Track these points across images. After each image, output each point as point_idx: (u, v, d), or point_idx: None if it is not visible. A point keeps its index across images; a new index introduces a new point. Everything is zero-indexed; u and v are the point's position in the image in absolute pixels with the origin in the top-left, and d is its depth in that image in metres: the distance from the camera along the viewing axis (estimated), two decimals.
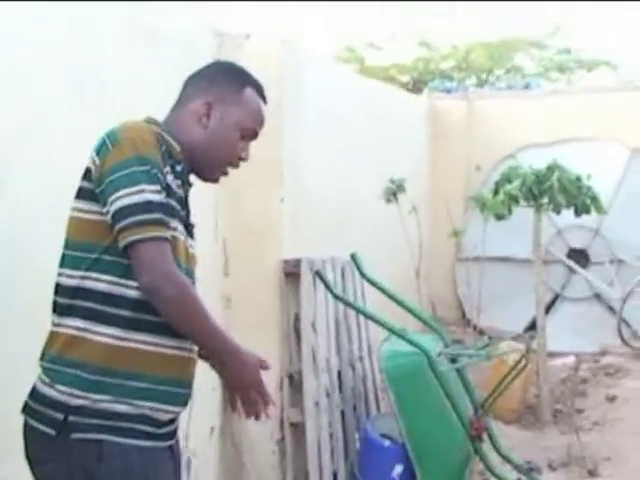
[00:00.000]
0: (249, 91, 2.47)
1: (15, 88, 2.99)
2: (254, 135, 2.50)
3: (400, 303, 5.02)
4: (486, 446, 4.63)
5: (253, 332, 4.69)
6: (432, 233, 8.33)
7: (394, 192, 5.98)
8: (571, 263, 8.46)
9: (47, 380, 2.25)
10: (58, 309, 2.30)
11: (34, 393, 2.28)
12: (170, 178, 2.30)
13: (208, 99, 2.42)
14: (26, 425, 2.30)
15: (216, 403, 4.60)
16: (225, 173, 2.51)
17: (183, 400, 2.38)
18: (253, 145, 4.60)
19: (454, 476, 4.65)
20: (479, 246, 8.26)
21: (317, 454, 4.69)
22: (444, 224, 8.19)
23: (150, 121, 2.41)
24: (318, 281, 4.82)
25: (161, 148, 2.28)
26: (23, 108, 3.01)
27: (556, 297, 8.51)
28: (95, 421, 2.20)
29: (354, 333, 5.33)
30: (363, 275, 5.11)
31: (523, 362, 4.64)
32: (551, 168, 6.42)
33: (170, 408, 2.32)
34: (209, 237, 4.62)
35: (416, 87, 12.46)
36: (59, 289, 2.30)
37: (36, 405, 2.27)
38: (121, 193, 2.18)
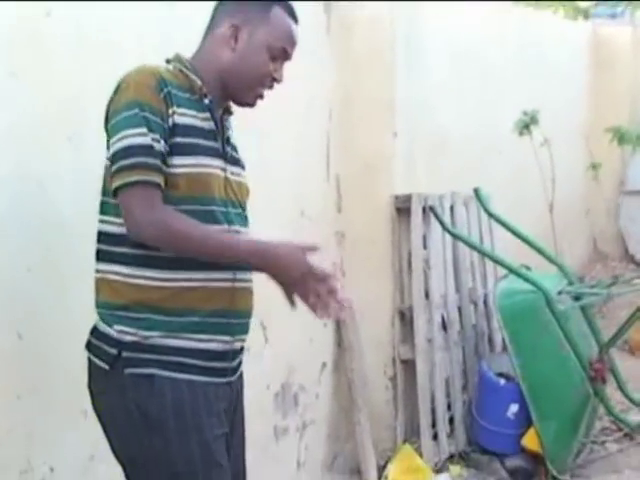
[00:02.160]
0: (276, 10, 2.42)
1: (93, 47, 3.06)
2: (285, 55, 2.44)
3: (525, 239, 4.89)
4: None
5: (366, 268, 4.72)
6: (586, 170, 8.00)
7: (527, 124, 5.75)
8: None
9: (103, 321, 2.32)
10: (100, 256, 2.36)
11: (94, 330, 2.37)
12: (190, 114, 2.30)
13: (234, 22, 2.39)
14: (89, 360, 2.38)
15: (329, 338, 4.63)
16: (260, 96, 2.46)
17: (237, 330, 2.37)
18: (366, 81, 4.64)
19: (571, 417, 4.54)
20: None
21: (429, 391, 4.65)
22: (606, 157, 7.81)
23: (171, 59, 2.42)
24: (433, 217, 4.75)
25: (162, 90, 2.25)
26: (101, 66, 3.07)
27: None
28: (147, 356, 2.25)
29: (478, 270, 5.21)
30: (486, 210, 5.02)
31: None
32: None
33: (223, 338, 2.32)
34: (321, 174, 4.63)
35: (589, 13, 11.93)
36: (100, 236, 2.36)
37: (95, 341, 2.35)
38: (112, 141, 2.23)
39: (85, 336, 2.90)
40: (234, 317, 2.35)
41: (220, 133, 2.40)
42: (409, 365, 4.71)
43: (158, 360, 2.25)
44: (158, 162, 2.21)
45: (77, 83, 2.98)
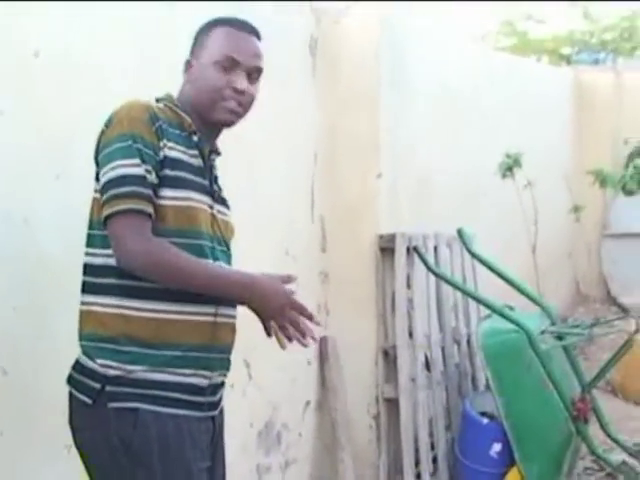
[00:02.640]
0: (216, 30, 2.47)
1: (79, 85, 3.11)
2: (236, 64, 2.44)
3: (506, 279, 4.93)
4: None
5: (350, 307, 4.76)
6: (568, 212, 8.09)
7: (510, 167, 5.83)
8: None
9: (86, 355, 2.34)
10: (86, 288, 2.38)
11: (76, 365, 2.39)
12: (179, 149, 2.35)
13: (187, 58, 2.50)
14: (70, 395, 2.39)
15: (312, 377, 4.65)
16: (231, 111, 2.46)
17: (219, 365, 2.41)
18: (351, 122, 4.70)
19: (554, 457, 4.53)
20: (625, 222, 8.05)
21: (412, 430, 4.67)
22: (589, 200, 7.90)
23: (161, 98, 2.49)
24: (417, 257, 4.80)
25: (154, 124, 2.30)
26: (87, 103, 3.12)
27: None
28: (131, 390, 2.26)
29: (461, 309, 5.25)
30: (469, 250, 5.06)
31: (628, 344, 4.52)
32: None
33: (206, 373, 2.35)
34: (306, 214, 4.67)
35: (572, 60, 12.14)
36: (86, 269, 2.39)
37: (77, 375, 2.36)
38: (103, 171, 2.27)
39: (67, 373, 2.95)
40: (215, 352, 2.38)
41: (208, 171, 2.45)
42: (392, 404, 4.73)
43: (142, 394, 2.26)
44: (150, 193, 2.25)
45: (64, 122, 3.02)
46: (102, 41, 3.22)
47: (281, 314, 2.32)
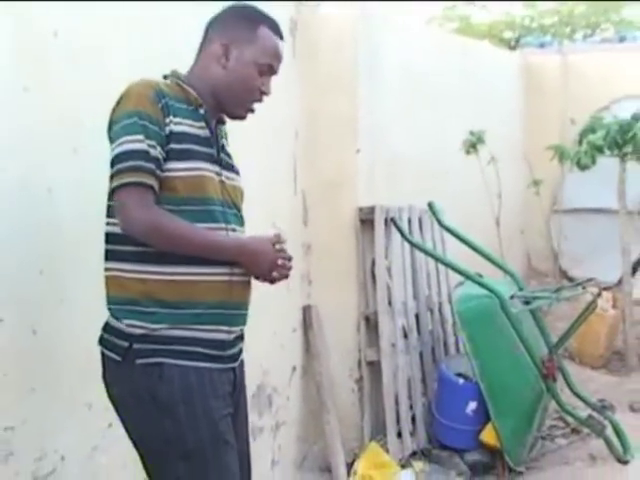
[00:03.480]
0: (263, 29, 2.63)
1: (94, 63, 3.28)
2: (272, 70, 2.65)
3: (476, 249, 5.21)
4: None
5: (332, 277, 4.98)
6: (526, 187, 8.42)
7: (473, 144, 6.12)
8: None
9: (113, 316, 2.54)
10: (108, 255, 2.58)
11: (106, 326, 2.58)
12: (186, 123, 2.53)
13: (224, 41, 2.62)
14: (102, 354, 2.59)
15: (297, 344, 4.87)
16: (251, 110, 2.68)
17: (237, 320, 2.60)
18: (330, 103, 4.91)
19: (526, 413, 4.83)
20: (574, 198, 8.38)
21: (393, 392, 4.93)
22: (539, 177, 8.22)
23: (168, 75, 2.67)
24: (394, 228, 5.04)
25: (160, 101, 2.48)
26: (101, 81, 3.29)
27: None
28: (155, 346, 2.46)
29: (433, 279, 5.53)
30: (439, 222, 5.33)
31: (593, 305, 4.82)
32: (635, 117, 6.45)
33: (225, 328, 2.54)
34: (289, 189, 4.87)
35: (519, 43, 12.43)
36: (107, 237, 2.59)
37: (107, 335, 2.56)
38: (112, 147, 2.48)
39: (90, 333, 3.14)
40: (232, 308, 2.57)
41: (215, 141, 2.64)
42: (374, 367, 4.98)
43: (166, 350, 2.46)
44: (152, 166, 2.43)
45: (78, 99, 3.18)
46: (113, 23, 3.39)
47: (270, 270, 2.54)
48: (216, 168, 2.60)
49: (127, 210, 2.42)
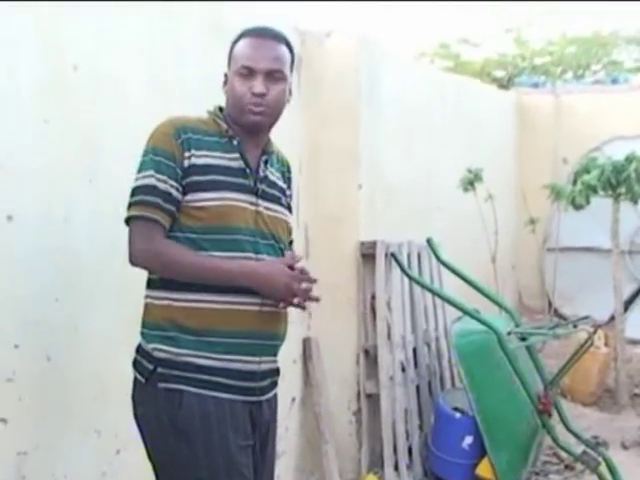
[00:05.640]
0: (240, 41, 2.71)
1: (111, 96, 3.39)
2: (252, 71, 2.65)
3: (473, 285, 5.27)
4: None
5: (332, 309, 5.03)
6: (518, 224, 8.53)
7: (471, 181, 6.22)
8: None
9: (143, 339, 2.63)
10: (147, 284, 2.68)
11: (138, 348, 2.66)
12: (214, 155, 2.63)
13: (225, 72, 2.77)
14: (134, 375, 2.66)
15: (297, 375, 4.93)
16: (252, 112, 2.66)
17: (262, 351, 2.62)
18: (332, 136, 5.00)
19: (521, 448, 4.89)
20: (566, 237, 8.48)
21: (391, 424, 4.98)
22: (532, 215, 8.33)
23: (210, 111, 2.76)
24: (394, 263, 5.11)
25: (180, 137, 2.59)
26: (117, 113, 3.39)
27: None
28: (178, 373, 2.53)
29: (430, 314, 5.61)
30: (438, 258, 5.38)
31: (589, 342, 4.89)
32: (629, 159, 6.57)
33: (248, 358, 2.58)
34: (291, 223, 4.94)
35: (510, 82, 12.57)
36: None
37: (137, 357, 2.64)
38: None
39: (102, 361, 3.22)
40: (260, 339, 2.61)
41: (254, 171, 2.70)
42: (373, 400, 5.04)
43: (188, 377, 2.53)
44: (159, 200, 2.54)
45: (95, 131, 3.30)
46: (129, 57, 3.49)
47: (287, 292, 2.57)
48: (251, 198, 2.65)
49: (131, 243, 2.57)
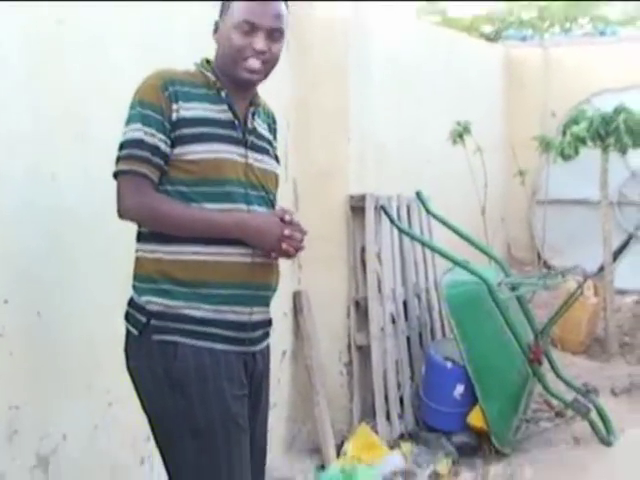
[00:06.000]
0: None
1: (97, 51, 3.35)
2: (254, 27, 2.59)
3: (463, 236, 5.32)
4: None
5: (322, 263, 5.04)
6: (508, 178, 8.55)
7: (460, 134, 6.22)
8: None
9: (135, 292, 2.62)
10: (137, 237, 2.67)
11: (130, 301, 2.65)
12: (203, 107, 2.60)
13: (216, 20, 2.71)
14: (126, 328, 2.65)
15: (288, 328, 4.95)
16: (252, 71, 2.63)
17: (255, 302, 2.63)
18: (321, 94, 4.99)
19: (512, 396, 4.94)
20: (555, 189, 8.50)
21: (382, 375, 5.01)
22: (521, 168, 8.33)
23: (197, 63, 2.73)
24: (383, 216, 5.13)
25: (167, 89, 2.55)
26: (104, 69, 3.37)
27: (630, 238, 8.61)
28: (171, 325, 2.53)
29: (420, 266, 5.63)
30: (427, 210, 5.43)
31: (579, 291, 4.93)
32: (618, 110, 6.58)
33: (240, 309, 2.58)
34: (280, 177, 4.93)
35: (498, 36, 12.52)
36: None
37: (130, 310, 2.63)
38: None
39: (93, 317, 3.23)
40: (251, 289, 2.60)
41: (242, 123, 2.67)
42: (363, 351, 5.07)
43: (182, 329, 2.52)
44: (147, 154, 2.52)
45: (81, 86, 3.27)
46: (115, 12, 3.46)
47: (278, 244, 2.56)
48: (241, 150, 2.63)
49: (120, 197, 2.55)
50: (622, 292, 7.53)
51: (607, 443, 4.89)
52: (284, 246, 2.55)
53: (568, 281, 5.46)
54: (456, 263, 5.03)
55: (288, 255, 2.60)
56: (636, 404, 5.68)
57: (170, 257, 2.56)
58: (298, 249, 2.60)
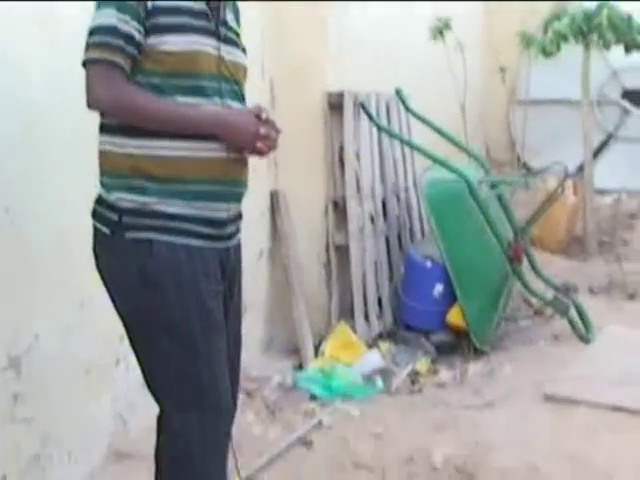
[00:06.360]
0: None
1: None
2: None
3: (442, 134, 5.23)
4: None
5: (299, 161, 4.95)
6: (487, 77, 8.39)
7: (440, 30, 6.06)
8: (625, 104, 8.45)
9: (104, 189, 2.50)
10: (101, 128, 2.53)
11: (98, 199, 2.54)
12: None
13: None
14: (94, 227, 2.54)
15: (265, 228, 4.87)
16: None
17: (231, 198, 2.55)
18: None
19: (492, 294, 4.93)
20: (535, 89, 8.36)
21: (361, 275, 4.98)
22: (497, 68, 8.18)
23: None
24: (362, 113, 5.02)
25: None
26: None
27: (609, 137, 8.53)
28: (145, 221, 2.43)
29: (399, 165, 5.54)
30: (407, 108, 5.32)
31: (560, 188, 4.87)
32: (601, 6, 6.43)
33: (216, 205, 2.50)
34: (256, 75, 4.79)
35: None
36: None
37: (98, 208, 2.52)
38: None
39: (63, 212, 3.12)
40: (227, 185, 2.53)
41: (214, 14, 2.55)
42: (342, 251, 5.02)
43: (156, 226, 2.43)
44: (121, 42, 2.37)
45: None
46: None
47: (252, 141, 2.47)
48: (213, 42, 2.52)
49: (90, 88, 2.41)
50: (601, 192, 7.47)
51: (586, 340, 4.89)
52: (259, 145, 2.47)
53: (548, 180, 5.39)
54: (436, 161, 4.95)
55: (261, 153, 2.52)
56: (614, 302, 5.68)
57: (142, 152, 2.44)
58: (272, 148, 2.53)
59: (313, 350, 4.78)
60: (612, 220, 7.19)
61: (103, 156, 2.52)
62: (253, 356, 4.59)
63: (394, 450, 3.73)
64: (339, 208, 5.00)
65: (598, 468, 3.52)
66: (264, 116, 2.50)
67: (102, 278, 2.56)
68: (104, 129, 2.51)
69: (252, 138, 2.47)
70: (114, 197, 2.46)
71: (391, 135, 5.24)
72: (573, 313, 4.95)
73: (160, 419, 2.56)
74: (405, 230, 5.49)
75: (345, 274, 5.01)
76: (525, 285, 4.94)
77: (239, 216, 2.67)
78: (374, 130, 5.20)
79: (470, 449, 3.68)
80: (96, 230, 2.53)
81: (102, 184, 2.51)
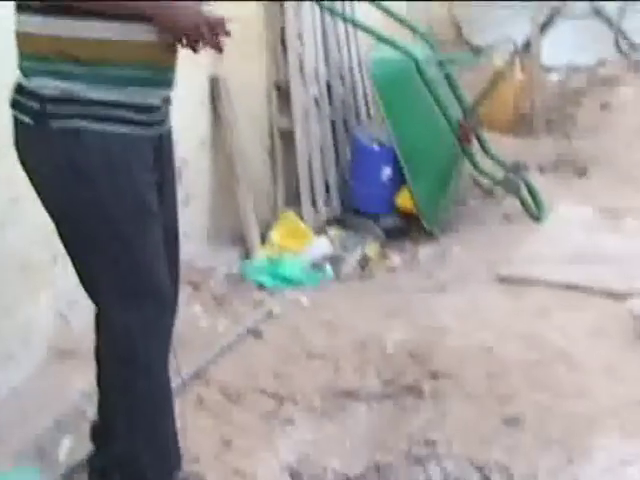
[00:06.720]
0: None
1: None
2: None
3: (385, 11, 5.04)
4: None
5: (240, 47, 4.68)
6: None
7: None
8: None
9: (24, 75, 2.31)
10: (16, 7, 2.31)
11: (17, 86, 2.34)
12: None
13: None
14: (14, 118, 2.36)
15: (205, 117, 4.67)
16: None
17: (160, 82, 2.39)
18: None
19: (441, 176, 4.85)
20: None
21: (307, 160, 4.86)
22: None
23: None
24: None
25: None
26: None
27: (555, 13, 8.35)
28: (72, 108, 2.26)
29: (343, 44, 5.36)
30: None
31: (510, 64, 4.76)
32: None
33: (148, 90, 2.34)
34: None
35: None
36: None
37: (18, 97, 2.33)
38: None
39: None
40: (159, 70, 2.37)
41: None
42: (286, 136, 4.87)
43: (85, 113, 2.27)
44: None
45: None
46: None
47: (194, 33, 2.28)
48: None
49: None
50: (547, 69, 7.34)
51: (537, 219, 4.84)
52: (203, 29, 2.27)
53: (495, 59, 5.26)
54: (381, 39, 4.78)
55: (200, 44, 2.31)
56: (562, 180, 5.62)
57: (68, 33, 2.25)
58: (214, 45, 2.32)
59: (260, 239, 4.66)
60: (559, 97, 7.08)
61: (22, 38, 2.32)
62: (198, 247, 4.47)
63: (346, 337, 3.68)
64: (282, 92, 4.84)
65: (552, 346, 3.52)
66: (218, 15, 2.32)
67: (27, 173, 2.40)
68: (22, 8, 2.30)
69: (193, 30, 2.27)
70: (35, 83, 2.27)
71: (333, 13, 5.04)
72: (524, 192, 4.89)
73: (98, 317, 2.46)
74: (351, 113, 5.35)
75: (290, 160, 4.88)
76: (475, 165, 4.85)
77: (168, 101, 2.50)
78: (316, 9, 5.00)
79: (423, 333, 3.65)
80: (17, 121, 2.35)
81: (22, 70, 2.32)
